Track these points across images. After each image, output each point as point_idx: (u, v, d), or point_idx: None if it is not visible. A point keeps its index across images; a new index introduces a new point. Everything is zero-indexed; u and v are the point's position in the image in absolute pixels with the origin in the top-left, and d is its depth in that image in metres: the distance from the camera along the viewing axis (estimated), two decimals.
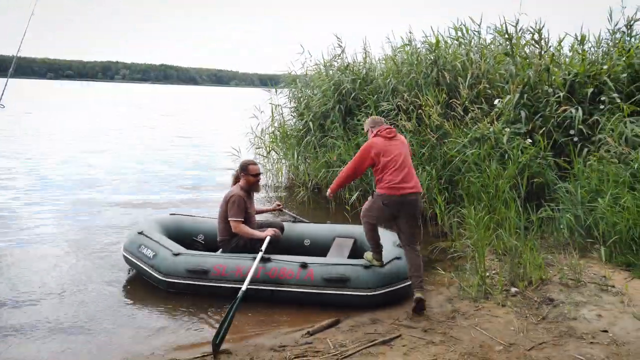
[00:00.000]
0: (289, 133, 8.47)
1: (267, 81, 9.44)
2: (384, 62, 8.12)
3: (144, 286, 4.31)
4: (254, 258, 3.88)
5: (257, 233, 4.21)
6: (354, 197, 6.41)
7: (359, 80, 7.47)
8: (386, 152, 3.79)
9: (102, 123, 21.27)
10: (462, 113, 6.11)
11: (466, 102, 6.21)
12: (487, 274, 4.26)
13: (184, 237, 4.65)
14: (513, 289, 3.97)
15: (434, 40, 7.01)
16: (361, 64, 8.07)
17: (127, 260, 4.38)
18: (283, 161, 8.69)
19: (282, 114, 9.05)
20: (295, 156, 7.78)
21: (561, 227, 4.79)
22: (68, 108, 30.61)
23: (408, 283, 3.98)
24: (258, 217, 4.67)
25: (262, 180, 8.58)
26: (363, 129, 6.69)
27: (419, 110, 6.36)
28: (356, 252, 4.51)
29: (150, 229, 4.46)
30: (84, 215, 6.67)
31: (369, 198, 4.00)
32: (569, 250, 4.55)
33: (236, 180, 4.46)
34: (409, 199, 3.77)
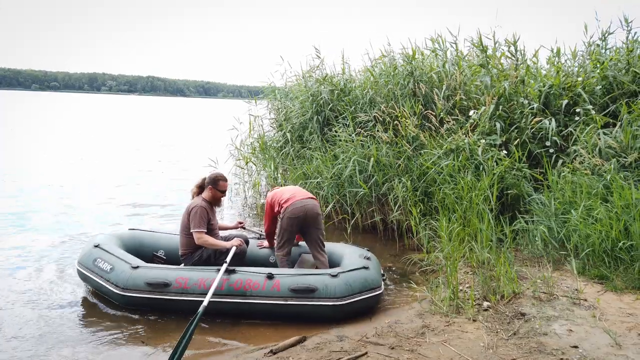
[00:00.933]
0: (268, 144, 8.38)
1: (253, 93, 9.35)
2: (362, 73, 8.09)
3: (98, 302, 4.12)
4: (219, 270, 3.76)
5: (222, 243, 4.09)
6: (329, 208, 6.32)
7: (337, 91, 7.42)
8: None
9: (79, 135, 20.98)
10: (437, 124, 6.06)
11: (442, 114, 6.18)
12: (460, 288, 4.17)
13: (144, 252, 4.49)
14: (485, 303, 3.88)
15: (411, 52, 7.01)
16: (340, 74, 8.02)
17: (81, 275, 4.19)
18: (262, 172, 8.58)
19: (262, 125, 8.98)
20: (272, 168, 7.67)
21: (535, 239, 4.73)
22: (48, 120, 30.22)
23: (377, 293, 3.92)
24: (221, 233, 4.52)
25: (240, 193, 8.59)
26: (340, 140, 6.68)
27: (396, 122, 6.31)
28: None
29: (107, 242, 4.28)
30: (41, 229, 6.41)
31: None
32: (542, 263, 4.49)
33: (199, 190, 4.32)
34: None
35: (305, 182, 6.87)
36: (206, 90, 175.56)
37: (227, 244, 4.05)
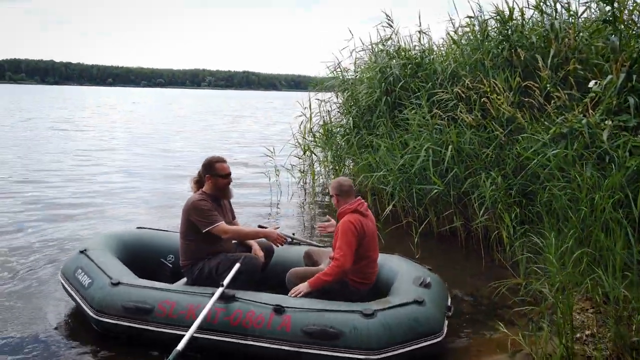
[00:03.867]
0: (333, 131, 7.33)
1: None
2: (443, 45, 6.66)
3: (78, 322, 3.26)
4: (213, 294, 2.75)
5: (255, 230, 3.43)
6: (389, 207, 5.10)
7: (410, 65, 6.11)
8: (367, 237, 3.08)
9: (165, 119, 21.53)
10: (542, 101, 4.57)
11: (548, 86, 4.66)
12: (577, 335, 2.79)
13: (151, 257, 3.58)
14: None
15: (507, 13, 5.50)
16: (416, 46, 6.66)
17: (63, 286, 3.35)
18: (327, 163, 7.57)
19: (329, 110, 7.92)
20: (329, 158, 6.57)
21: None
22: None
23: (432, 342, 2.68)
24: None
25: (299, 187, 7.65)
26: (409, 124, 5.40)
27: (484, 99, 4.90)
28: None
29: (98, 246, 3.41)
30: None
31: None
32: None
33: (198, 185, 3.32)
34: None
35: (369, 175, 5.69)
36: (297, 83, 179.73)
37: (261, 232, 3.32)
